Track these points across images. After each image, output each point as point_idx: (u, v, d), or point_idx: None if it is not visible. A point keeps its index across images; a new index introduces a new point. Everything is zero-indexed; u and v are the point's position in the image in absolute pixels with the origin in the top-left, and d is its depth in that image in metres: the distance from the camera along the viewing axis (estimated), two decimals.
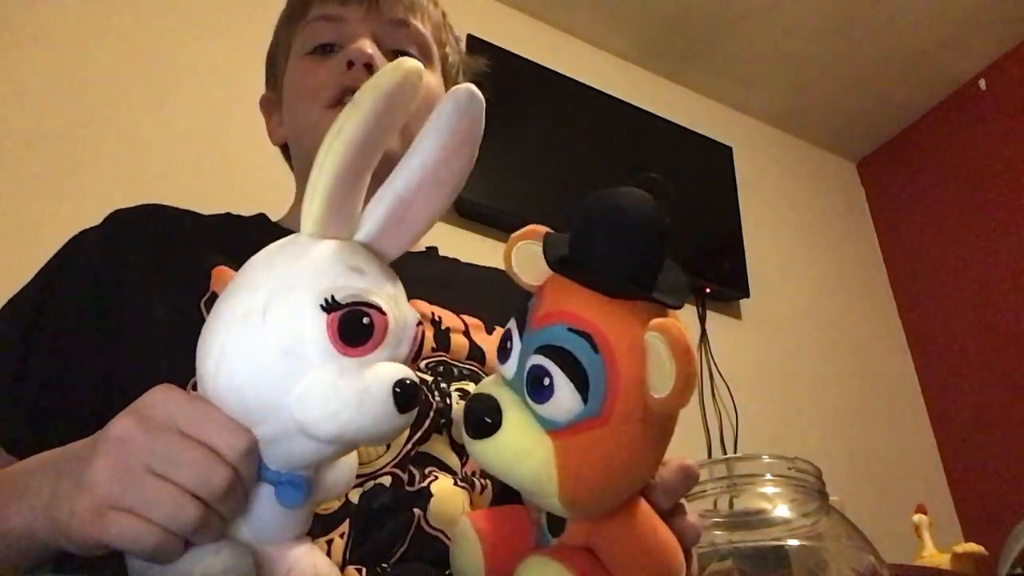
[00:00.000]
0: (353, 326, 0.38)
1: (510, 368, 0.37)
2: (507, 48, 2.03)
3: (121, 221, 0.69)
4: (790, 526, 0.47)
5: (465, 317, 0.69)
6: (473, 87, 0.42)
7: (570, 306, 0.35)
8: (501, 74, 1.99)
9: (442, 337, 0.66)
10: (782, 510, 0.48)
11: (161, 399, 0.38)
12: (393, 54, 0.75)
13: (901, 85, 2.48)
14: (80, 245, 0.67)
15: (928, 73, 2.43)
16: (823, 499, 0.48)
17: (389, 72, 0.40)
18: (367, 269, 0.40)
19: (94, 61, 1.53)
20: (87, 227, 0.69)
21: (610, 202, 0.35)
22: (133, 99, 1.53)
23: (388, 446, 0.57)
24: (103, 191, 1.39)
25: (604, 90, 2.18)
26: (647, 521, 0.38)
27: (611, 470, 0.35)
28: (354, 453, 0.46)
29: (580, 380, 0.34)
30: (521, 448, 0.35)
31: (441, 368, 0.64)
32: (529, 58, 2.08)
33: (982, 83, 2.41)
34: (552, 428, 0.35)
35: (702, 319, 2.08)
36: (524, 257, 0.39)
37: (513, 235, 0.40)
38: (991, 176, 2.32)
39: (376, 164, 0.42)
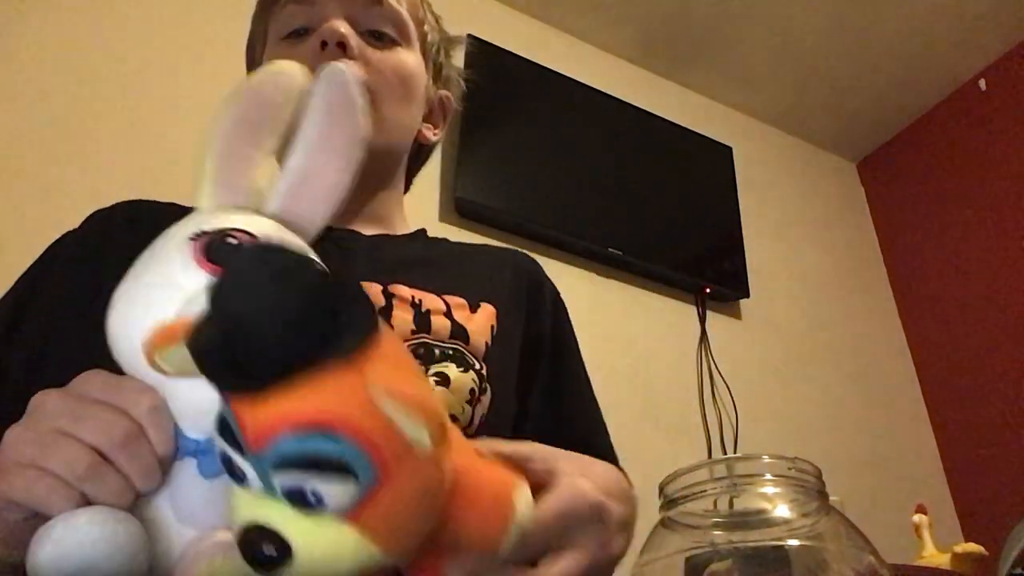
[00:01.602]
0: (218, 244, 0.39)
1: (253, 484, 0.32)
2: (507, 48, 2.03)
3: (99, 221, 0.69)
4: (790, 526, 0.47)
5: (447, 297, 0.68)
6: (337, 65, 0.47)
7: (276, 410, 0.30)
8: (501, 74, 2.01)
9: (423, 319, 0.66)
10: (782, 510, 0.48)
11: (83, 377, 0.39)
12: (369, 34, 0.74)
13: (901, 85, 2.48)
14: (59, 249, 0.67)
15: (928, 73, 2.43)
16: (823, 499, 0.48)
17: (263, 71, 0.46)
18: (247, 216, 0.42)
19: (92, 59, 1.53)
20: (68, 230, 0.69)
21: (251, 295, 0.30)
22: (129, 98, 1.53)
23: None
24: (101, 190, 1.39)
25: (604, 90, 2.18)
26: (466, 483, 0.36)
27: (422, 505, 0.33)
28: None
29: (341, 470, 0.30)
30: (327, 554, 0.31)
31: (422, 350, 0.63)
32: (530, 58, 2.08)
33: (982, 83, 2.41)
34: (340, 516, 0.31)
35: (702, 319, 2.07)
36: (178, 362, 0.35)
37: (152, 341, 0.36)
38: (991, 176, 2.32)
39: (267, 146, 0.45)
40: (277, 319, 0.29)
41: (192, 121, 1.57)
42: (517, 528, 0.38)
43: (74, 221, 0.70)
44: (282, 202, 0.45)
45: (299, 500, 0.30)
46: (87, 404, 0.38)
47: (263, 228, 0.42)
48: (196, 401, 0.37)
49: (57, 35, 1.51)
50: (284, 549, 0.31)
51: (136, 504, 0.37)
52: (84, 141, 1.45)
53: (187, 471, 0.38)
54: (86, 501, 0.36)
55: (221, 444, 0.32)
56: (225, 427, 0.31)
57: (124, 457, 0.36)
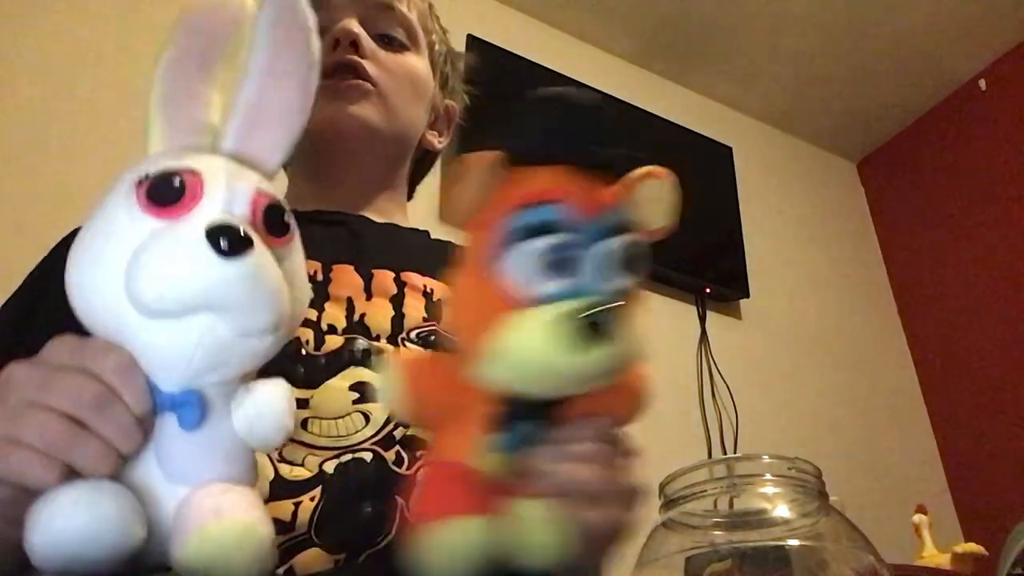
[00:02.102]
0: (160, 187, 0.37)
1: (589, 265, 0.39)
2: (507, 48, 2.03)
3: None
4: (790, 526, 0.47)
5: None
6: None
7: (608, 183, 0.41)
8: (502, 74, 2.01)
9: (433, 308, 0.67)
10: (782, 510, 0.48)
11: (50, 345, 0.39)
12: (380, 38, 0.76)
13: (901, 85, 2.48)
14: (66, 246, 0.67)
15: (928, 73, 2.43)
16: (823, 499, 0.48)
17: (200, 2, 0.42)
18: (196, 155, 0.39)
19: (93, 58, 1.53)
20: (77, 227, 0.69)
21: (567, 104, 0.42)
22: (130, 95, 1.53)
23: (367, 420, 0.55)
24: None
25: (604, 90, 2.18)
26: None
27: None
28: (281, 390, 0.41)
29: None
30: (632, 328, 0.40)
31: (433, 337, 0.64)
32: (529, 58, 2.08)
33: (982, 83, 2.41)
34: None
35: (702, 319, 2.07)
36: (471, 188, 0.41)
37: (467, 166, 0.41)
38: (991, 176, 2.32)
39: (216, 79, 0.42)
40: (595, 121, 0.42)
41: None
42: (641, 410, 0.46)
43: (78, 221, 0.69)
44: (237, 137, 0.42)
45: (631, 255, 0.39)
46: (54, 371, 0.37)
47: (212, 165, 0.39)
48: (166, 353, 0.36)
49: (57, 34, 1.51)
50: (610, 325, 0.38)
51: (123, 469, 0.36)
52: (87, 140, 1.45)
53: (168, 427, 0.37)
54: (68, 470, 0.35)
55: (540, 248, 0.38)
56: (546, 230, 0.38)
57: (99, 420, 0.36)
